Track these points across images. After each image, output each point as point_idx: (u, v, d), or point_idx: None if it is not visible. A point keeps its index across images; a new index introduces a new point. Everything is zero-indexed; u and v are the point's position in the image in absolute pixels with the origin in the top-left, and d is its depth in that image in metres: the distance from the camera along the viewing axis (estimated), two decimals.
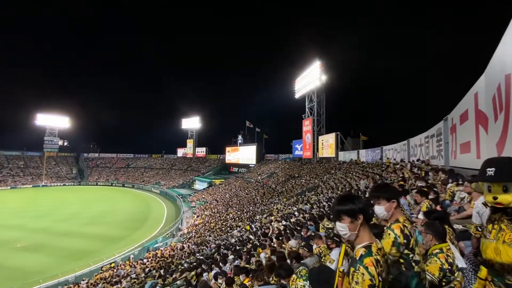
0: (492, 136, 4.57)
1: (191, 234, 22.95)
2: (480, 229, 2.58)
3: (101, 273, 15.71)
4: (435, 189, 5.14)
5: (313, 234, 6.06)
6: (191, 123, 72.78)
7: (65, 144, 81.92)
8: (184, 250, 17.39)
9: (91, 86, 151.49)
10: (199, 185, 52.12)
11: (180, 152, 77.16)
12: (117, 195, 47.52)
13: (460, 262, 2.18)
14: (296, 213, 13.95)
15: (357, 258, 1.35)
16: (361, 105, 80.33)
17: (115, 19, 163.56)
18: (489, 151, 4.74)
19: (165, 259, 15.99)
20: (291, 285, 2.97)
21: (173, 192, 47.82)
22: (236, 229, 18.70)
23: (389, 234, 1.73)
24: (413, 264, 1.67)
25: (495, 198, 1.56)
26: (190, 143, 73.73)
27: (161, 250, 19.20)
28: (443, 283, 1.98)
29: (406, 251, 1.69)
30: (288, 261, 4.06)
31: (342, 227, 1.46)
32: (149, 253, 18.82)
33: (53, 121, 70.96)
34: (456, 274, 1.99)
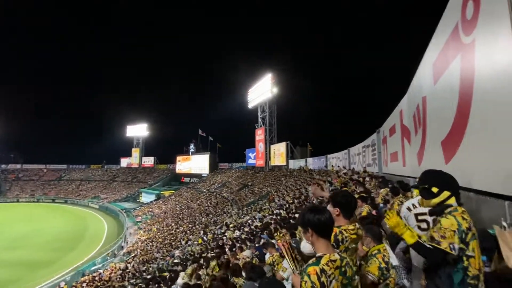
0: (414, 147, 5.38)
1: (136, 252, 21.05)
2: None
3: None
4: (372, 194, 5.77)
5: (266, 242, 6.17)
6: (138, 130, 67.50)
7: None
8: (128, 270, 15.83)
9: (14, 86, 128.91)
10: (146, 197, 48.40)
11: (124, 162, 70.70)
12: (45, 213, 40.91)
13: (394, 261, 2.48)
14: (249, 221, 14.03)
15: (304, 267, 1.45)
16: (308, 116, 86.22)
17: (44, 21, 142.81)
18: (412, 160, 5.55)
19: (104, 282, 14.30)
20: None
21: (116, 206, 43.41)
22: (180, 248, 17.70)
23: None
24: None
25: None
26: (136, 152, 68.21)
27: (99, 273, 17.12)
28: (381, 281, 2.22)
29: None
30: (243, 273, 4.05)
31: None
32: (85, 277, 16.59)
33: None
34: (391, 272, 2.26)
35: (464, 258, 1.52)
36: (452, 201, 1.68)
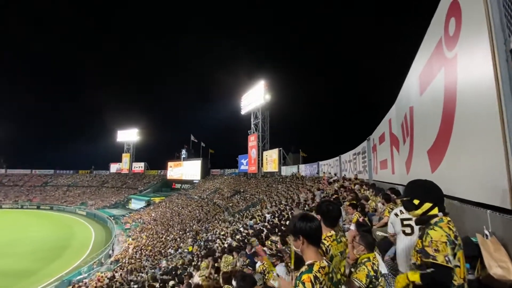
0: (402, 155, 5.50)
1: (124, 261, 20.49)
2: (394, 237, 3.06)
3: None
4: (362, 201, 5.84)
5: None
6: (128, 135, 66.43)
7: None
8: (115, 279, 15.37)
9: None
10: (136, 204, 47.47)
11: (114, 167, 69.31)
12: (28, 220, 39.49)
13: (383, 269, 2.52)
14: (241, 229, 13.90)
15: (298, 275, 1.46)
16: (301, 123, 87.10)
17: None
18: (400, 168, 5.66)
19: None
20: None
21: (104, 213, 42.34)
22: (169, 256, 17.37)
23: None
24: None
25: None
26: (126, 157, 67.05)
27: (85, 282, 16.57)
28: None
29: None
30: (234, 282, 4.00)
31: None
32: (71, 287, 16.03)
33: None
34: (380, 280, 2.29)
35: None
36: (435, 211, 1.69)
